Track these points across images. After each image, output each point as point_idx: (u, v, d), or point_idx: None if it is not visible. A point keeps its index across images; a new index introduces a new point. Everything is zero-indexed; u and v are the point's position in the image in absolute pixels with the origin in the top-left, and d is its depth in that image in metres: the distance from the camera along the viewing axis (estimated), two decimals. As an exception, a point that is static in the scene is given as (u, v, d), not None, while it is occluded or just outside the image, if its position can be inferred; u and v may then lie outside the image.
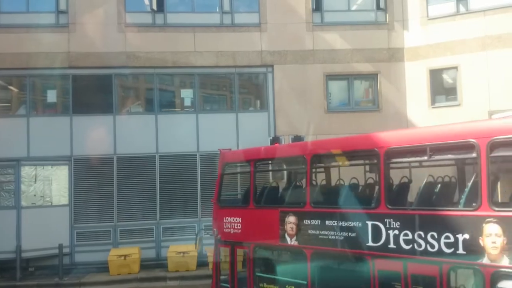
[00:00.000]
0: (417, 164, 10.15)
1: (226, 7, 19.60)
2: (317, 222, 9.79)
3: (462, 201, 8.30)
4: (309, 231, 9.91)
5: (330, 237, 9.53)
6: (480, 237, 7.42)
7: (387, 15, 20.04)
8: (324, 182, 11.91)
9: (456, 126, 8.66)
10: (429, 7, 19.54)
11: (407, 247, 8.27)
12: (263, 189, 11.94)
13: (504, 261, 7.15)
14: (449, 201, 9.30)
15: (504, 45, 18.07)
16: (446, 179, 9.88)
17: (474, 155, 7.80)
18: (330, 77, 19.76)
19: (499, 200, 8.57)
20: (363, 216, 9.02)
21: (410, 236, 8.23)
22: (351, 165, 10.48)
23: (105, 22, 19.04)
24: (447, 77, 19.53)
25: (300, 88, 19.46)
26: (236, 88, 19.86)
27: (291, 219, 10.25)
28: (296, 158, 11.18)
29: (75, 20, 18.94)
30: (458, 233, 7.65)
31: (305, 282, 9.92)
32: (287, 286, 10.42)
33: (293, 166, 12.08)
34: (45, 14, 19.18)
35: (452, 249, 7.70)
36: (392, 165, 9.15)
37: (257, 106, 20.35)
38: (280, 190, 12.09)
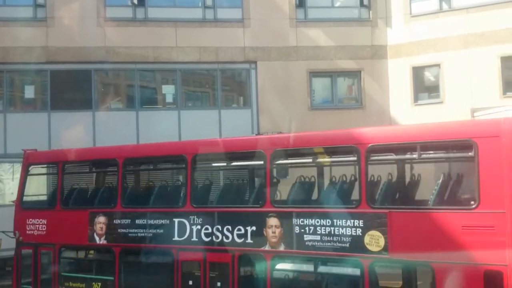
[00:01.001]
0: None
1: (209, 2, 19.37)
2: (127, 221, 10.68)
3: (251, 199, 10.10)
4: (119, 230, 10.77)
5: (139, 234, 10.49)
6: (264, 229, 9.08)
7: (370, 12, 19.99)
8: (140, 184, 12.33)
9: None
10: (412, 5, 19.54)
11: (207, 240, 9.69)
12: (71, 190, 12.19)
13: (281, 247, 8.96)
14: (242, 200, 10.65)
15: (487, 43, 18.14)
16: (240, 181, 11.32)
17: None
18: (314, 74, 19.67)
19: (279, 199, 10.04)
20: (171, 214, 10.16)
21: (210, 230, 9.65)
22: (158, 169, 11.71)
23: (84, 16, 18.67)
24: (429, 75, 19.57)
25: (283, 85, 19.32)
26: (219, 84, 19.64)
27: (101, 219, 10.92)
28: (108, 161, 11.81)
29: (53, 14, 18.53)
30: (247, 226, 9.23)
31: (112, 278, 10.78)
32: (93, 283, 11.10)
33: (104, 168, 12.32)
34: (23, 7, 18.83)
35: (243, 239, 9.29)
36: (198, 169, 10.41)
37: (240, 103, 20.17)
38: (90, 191, 12.35)
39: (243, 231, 9.29)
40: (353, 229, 8.31)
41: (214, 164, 10.97)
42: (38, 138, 18.06)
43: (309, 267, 9.06)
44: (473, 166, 7.61)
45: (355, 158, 8.61)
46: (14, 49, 18.23)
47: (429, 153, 8.39)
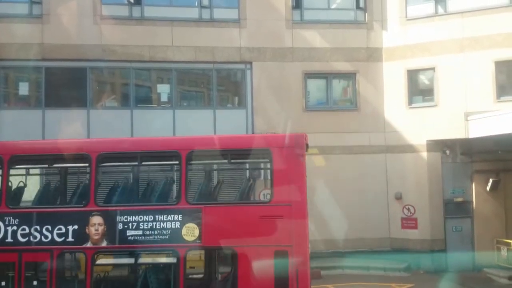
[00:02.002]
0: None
1: (205, 1, 19.36)
2: None
3: (73, 200, 10.58)
4: None
5: None
6: (86, 227, 9.57)
7: (366, 14, 20.05)
8: None
9: None
10: (408, 8, 19.61)
11: (23, 240, 9.73)
12: None
13: (104, 243, 9.56)
14: (63, 200, 10.94)
15: (481, 47, 18.24)
16: (62, 182, 11.32)
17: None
18: (309, 75, 19.71)
19: (103, 198, 10.57)
20: None
21: (27, 230, 9.73)
22: None
23: (81, 13, 18.62)
24: (424, 78, 19.65)
25: (278, 86, 19.34)
26: (214, 84, 19.64)
27: None
28: None
29: (49, 11, 18.46)
30: (69, 225, 9.60)
31: None
32: None
33: None
34: (19, 4, 18.76)
35: (63, 238, 9.60)
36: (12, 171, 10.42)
37: (235, 103, 20.17)
38: None
39: (64, 230, 9.63)
40: (173, 223, 9.51)
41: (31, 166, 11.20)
42: (32, 135, 17.98)
43: (130, 260, 10.02)
44: (269, 169, 9.73)
45: (177, 162, 9.87)
46: (10, 46, 18.14)
47: (237, 159, 10.38)
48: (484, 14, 18.34)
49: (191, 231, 9.44)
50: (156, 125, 18.72)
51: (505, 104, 17.60)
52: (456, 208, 18.70)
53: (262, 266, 9.27)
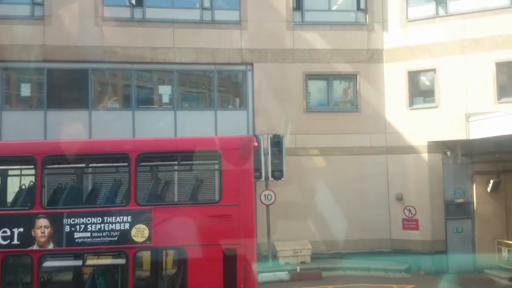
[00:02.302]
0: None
1: (206, 3, 19.40)
2: None
3: (18, 202, 10.45)
4: None
5: None
6: (32, 229, 9.45)
7: (367, 16, 20.08)
8: None
9: None
10: (409, 9, 19.63)
11: None
12: None
13: (50, 246, 9.48)
14: (6, 203, 10.86)
15: (482, 49, 18.26)
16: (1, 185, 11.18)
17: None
18: (310, 76, 19.74)
19: (49, 200, 10.64)
20: None
21: None
22: None
23: (82, 15, 18.68)
24: (425, 79, 19.66)
25: (279, 87, 19.38)
26: (215, 85, 19.68)
27: None
28: None
29: (51, 13, 18.52)
30: (14, 228, 9.47)
31: None
32: None
33: None
34: (20, 5, 18.76)
35: (8, 241, 9.46)
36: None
37: (236, 104, 20.20)
38: None
39: (9, 233, 9.50)
40: (122, 224, 9.56)
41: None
42: (34, 136, 18.02)
43: (78, 262, 10.11)
44: (218, 170, 9.99)
45: (126, 164, 9.88)
46: (11, 47, 18.20)
47: (187, 161, 10.43)
48: (485, 16, 18.36)
49: (140, 232, 9.56)
50: (158, 126, 18.80)
51: (506, 105, 17.59)
52: (457, 209, 18.70)
53: (211, 264, 9.50)
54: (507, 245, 17.55)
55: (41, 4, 18.59)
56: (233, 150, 9.86)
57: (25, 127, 18.08)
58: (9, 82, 19.23)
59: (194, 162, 10.42)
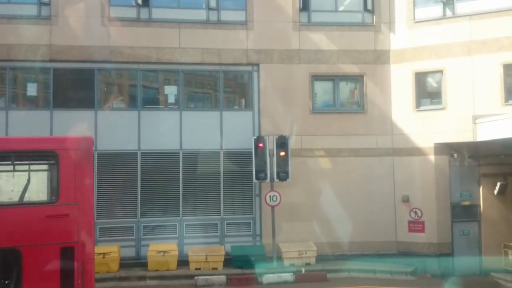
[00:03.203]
0: None
1: (213, 3, 19.37)
2: None
3: None
4: None
5: None
6: None
7: (374, 17, 20.01)
8: None
9: None
10: (416, 10, 19.55)
11: None
12: None
13: None
14: None
15: (490, 50, 18.16)
16: None
17: None
18: (316, 77, 19.68)
19: None
20: None
21: None
22: None
23: (88, 15, 18.71)
24: (432, 81, 19.56)
25: (285, 88, 19.34)
26: (221, 86, 19.66)
27: None
28: None
29: (57, 13, 18.56)
30: None
31: None
32: None
33: None
34: (27, 5, 18.76)
35: None
36: None
37: (242, 105, 20.17)
38: None
39: None
40: None
41: None
42: (40, 136, 18.11)
43: None
44: (56, 170, 9.93)
45: None
46: (18, 47, 18.25)
47: (22, 161, 10.35)
48: (492, 17, 18.26)
49: None
50: (163, 127, 18.82)
51: (513, 108, 17.52)
52: (464, 212, 18.62)
53: (48, 263, 9.60)
54: (514, 248, 17.46)
55: (48, 4, 18.62)
56: (72, 151, 9.97)
57: (31, 127, 18.11)
58: (16, 81, 19.27)
59: (31, 162, 10.41)
